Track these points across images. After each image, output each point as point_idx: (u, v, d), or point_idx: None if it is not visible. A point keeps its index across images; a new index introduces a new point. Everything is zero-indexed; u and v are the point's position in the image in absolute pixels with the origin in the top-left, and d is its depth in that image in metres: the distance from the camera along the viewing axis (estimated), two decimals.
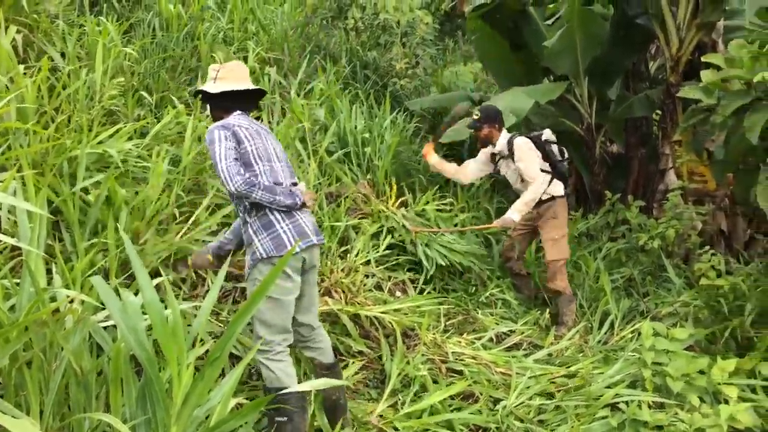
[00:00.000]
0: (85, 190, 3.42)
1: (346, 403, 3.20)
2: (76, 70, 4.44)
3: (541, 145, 4.93)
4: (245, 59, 6.02)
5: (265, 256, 2.86)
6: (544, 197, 4.90)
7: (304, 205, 3.04)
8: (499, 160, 5.07)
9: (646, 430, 3.08)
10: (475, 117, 4.92)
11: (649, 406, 3.27)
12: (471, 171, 5.26)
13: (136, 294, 1.98)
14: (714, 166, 4.72)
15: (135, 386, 1.84)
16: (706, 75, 4.02)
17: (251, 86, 3.16)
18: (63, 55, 4.65)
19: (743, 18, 6.53)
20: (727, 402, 3.25)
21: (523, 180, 4.92)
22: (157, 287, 2.38)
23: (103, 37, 4.65)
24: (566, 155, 5.11)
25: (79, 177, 3.36)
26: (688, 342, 3.75)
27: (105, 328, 2.08)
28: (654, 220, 5.65)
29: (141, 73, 5.10)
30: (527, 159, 4.80)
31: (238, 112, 3.13)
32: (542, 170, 4.88)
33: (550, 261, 4.90)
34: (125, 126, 4.05)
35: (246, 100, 3.19)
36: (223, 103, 3.14)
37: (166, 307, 1.88)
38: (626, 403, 3.27)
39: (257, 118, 5.49)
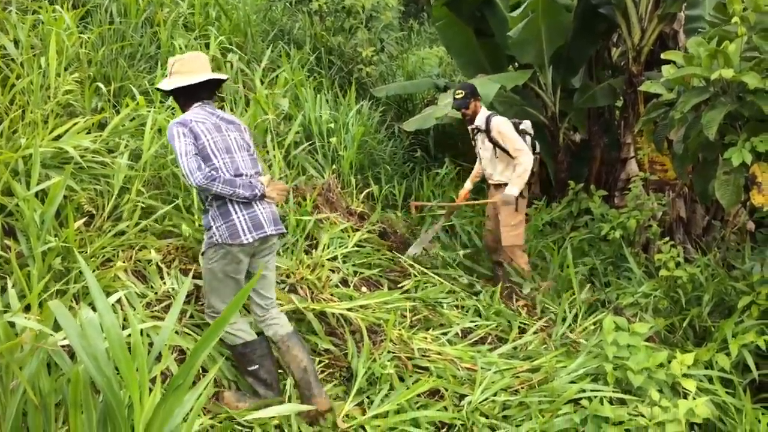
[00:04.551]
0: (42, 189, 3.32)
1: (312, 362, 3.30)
2: (30, 60, 4.28)
3: (519, 131, 4.99)
4: (206, 46, 5.88)
5: (219, 242, 3.05)
6: (503, 180, 4.97)
7: (263, 196, 3.15)
8: (476, 134, 5.12)
9: (607, 426, 3.14)
10: (459, 96, 4.95)
11: (611, 402, 3.34)
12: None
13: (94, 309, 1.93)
14: (674, 159, 4.79)
15: (96, 409, 1.80)
16: (667, 70, 4.07)
17: (204, 77, 3.19)
18: (16, 43, 4.48)
19: (703, 8, 6.62)
20: (685, 396, 3.33)
21: (496, 156, 4.99)
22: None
23: (59, 25, 4.49)
24: (537, 149, 5.23)
25: (34, 177, 3.26)
26: (648, 334, 3.84)
27: (63, 346, 2.02)
28: (615, 210, 5.74)
29: (99, 62, 4.95)
30: (510, 133, 4.86)
31: (197, 104, 3.22)
32: None
33: (505, 247, 5.00)
34: (83, 120, 3.93)
35: (201, 92, 3.24)
36: (179, 98, 3.27)
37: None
38: (589, 398, 3.34)
39: (220, 108, 5.39)
